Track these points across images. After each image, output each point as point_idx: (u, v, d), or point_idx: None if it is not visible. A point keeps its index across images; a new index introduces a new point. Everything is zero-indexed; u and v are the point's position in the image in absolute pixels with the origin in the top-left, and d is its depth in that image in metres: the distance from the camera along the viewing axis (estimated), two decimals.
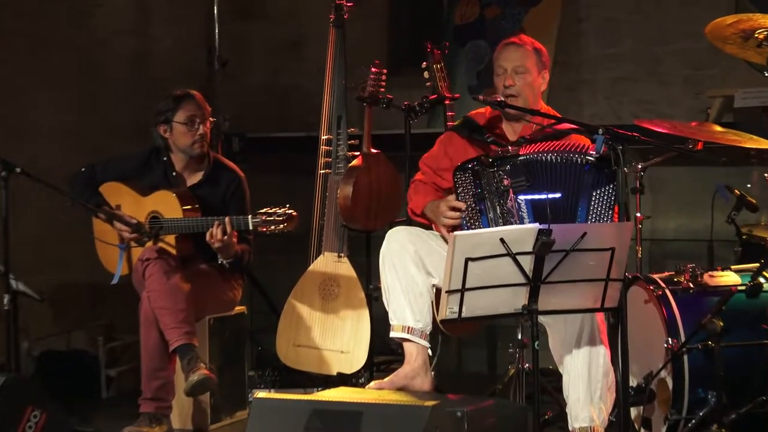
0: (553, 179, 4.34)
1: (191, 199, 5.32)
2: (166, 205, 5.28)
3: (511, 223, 4.33)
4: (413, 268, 4.53)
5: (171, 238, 5.27)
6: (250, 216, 5.05)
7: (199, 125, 5.36)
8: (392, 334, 4.58)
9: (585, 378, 4.37)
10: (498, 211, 4.36)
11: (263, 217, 4.99)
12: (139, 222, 5.29)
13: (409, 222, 4.93)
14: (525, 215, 4.32)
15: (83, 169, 5.50)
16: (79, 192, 5.39)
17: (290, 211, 4.98)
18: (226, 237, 5.10)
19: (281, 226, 4.97)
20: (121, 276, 5.37)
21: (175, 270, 5.10)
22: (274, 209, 5.00)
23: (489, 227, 4.35)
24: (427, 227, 4.72)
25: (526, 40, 4.74)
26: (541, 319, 4.35)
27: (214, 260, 5.32)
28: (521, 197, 4.32)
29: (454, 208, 4.45)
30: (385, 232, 4.68)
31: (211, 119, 5.45)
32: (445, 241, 4.50)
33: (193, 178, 5.45)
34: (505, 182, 4.34)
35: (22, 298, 5.29)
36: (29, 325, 5.49)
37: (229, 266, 5.30)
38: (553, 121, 4.61)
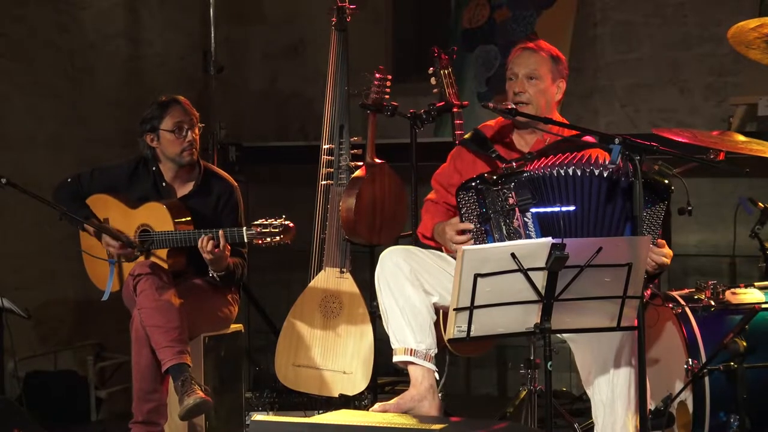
0: (565, 195, 4.31)
1: (183, 210, 5.31)
2: (157, 217, 5.27)
3: None
4: (409, 287, 4.49)
5: (162, 252, 5.26)
6: (244, 228, 5.05)
7: (188, 132, 5.33)
8: (395, 359, 4.54)
9: (625, 398, 4.32)
10: (504, 231, 4.32)
11: (258, 229, 4.98)
12: (129, 237, 5.30)
13: (415, 237, 4.94)
14: (532, 234, 4.28)
15: (69, 180, 5.47)
16: (65, 204, 5.37)
17: (286, 222, 4.96)
18: (218, 249, 5.10)
19: (277, 238, 4.96)
20: (112, 292, 5.37)
21: (168, 285, 5.08)
22: (269, 220, 4.98)
23: None
24: (438, 250, 4.69)
25: (543, 46, 4.71)
26: (565, 335, 4.36)
27: (208, 274, 5.31)
28: (528, 213, 4.30)
29: (461, 231, 4.43)
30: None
31: (199, 125, 5.44)
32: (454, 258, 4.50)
33: (184, 189, 5.43)
34: (510, 201, 4.31)
35: (7, 315, 5.31)
36: (14, 344, 5.49)
37: (220, 279, 5.28)
38: (565, 131, 4.61)
